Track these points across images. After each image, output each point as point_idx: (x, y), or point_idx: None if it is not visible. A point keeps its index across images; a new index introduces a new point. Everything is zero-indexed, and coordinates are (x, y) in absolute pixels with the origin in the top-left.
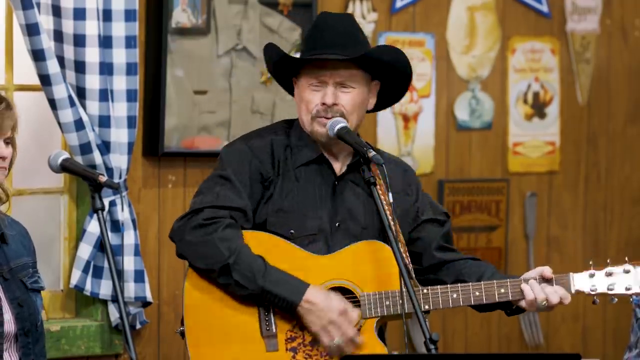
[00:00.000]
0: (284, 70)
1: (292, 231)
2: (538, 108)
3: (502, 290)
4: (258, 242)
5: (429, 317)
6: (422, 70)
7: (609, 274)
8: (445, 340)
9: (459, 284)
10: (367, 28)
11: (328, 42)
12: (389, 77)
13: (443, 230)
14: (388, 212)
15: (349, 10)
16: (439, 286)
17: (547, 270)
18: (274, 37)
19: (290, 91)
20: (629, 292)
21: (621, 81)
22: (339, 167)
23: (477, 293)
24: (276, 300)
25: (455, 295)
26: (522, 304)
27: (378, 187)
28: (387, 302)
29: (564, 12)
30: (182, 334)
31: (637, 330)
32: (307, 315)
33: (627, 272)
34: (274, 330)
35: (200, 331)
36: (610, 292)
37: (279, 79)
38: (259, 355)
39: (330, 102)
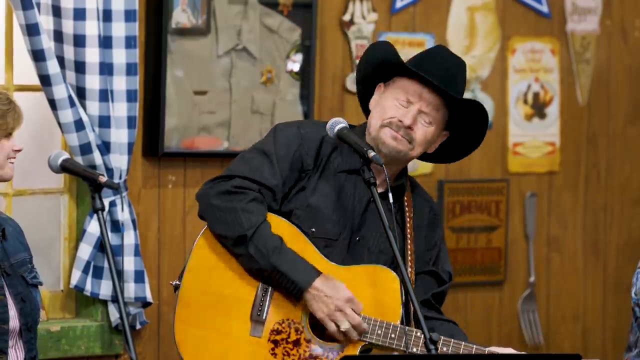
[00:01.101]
0: (378, 72)
1: (313, 229)
2: (538, 108)
3: (466, 352)
4: (280, 228)
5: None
6: None
7: None
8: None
9: (451, 339)
10: (367, 28)
11: (440, 71)
12: (460, 132)
13: (440, 289)
14: (408, 244)
15: (349, 11)
16: (417, 331)
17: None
18: (274, 37)
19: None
20: None
21: (621, 81)
22: (381, 184)
23: (445, 349)
24: (284, 282)
25: (445, 349)
26: None
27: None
28: (379, 331)
29: (564, 12)
30: (177, 287)
31: (636, 330)
32: (314, 302)
33: None
34: (264, 317)
35: (193, 292)
36: None
37: (365, 79)
38: (241, 335)
39: (408, 124)
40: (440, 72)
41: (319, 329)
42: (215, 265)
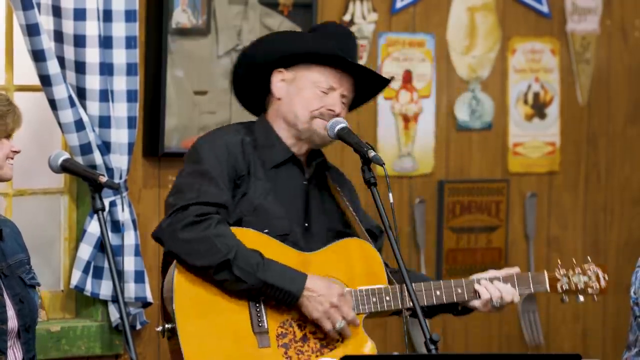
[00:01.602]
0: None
1: (266, 230)
2: (538, 108)
3: (459, 291)
4: (246, 238)
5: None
6: (422, 70)
7: (577, 273)
8: (445, 340)
9: (422, 284)
10: (367, 28)
11: (351, 53)
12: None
13: (377, 246)
14: (352, 214)
15: (349, 11)
16: (414, 284)
17: (513, 269)
18: None
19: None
20: (594, 292)
21: (621, 82)
22: (308, 169)
23: (438, 293)
24: (277, 293)
25: (423, 293)
26: (476, 303)
27: (340, 190)
28: (374, 299)
29: (564, 12)
30: (165, 331)
31: (635, 329)
32: (308, 304)
33: (593, 271)
34: (266, 326)
35: (192, 329)
36: (579, 290)
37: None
38: (252, 352)
39: (339, 112)
40: (353, 52)
41: None
42: (201, 296)
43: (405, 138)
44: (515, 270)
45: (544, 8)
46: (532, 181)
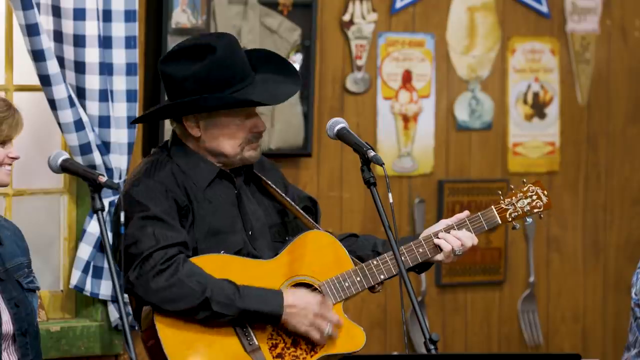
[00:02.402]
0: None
1: (222, 251)
2: (538, 108)
3: (421, 250)
4: (210, 265)
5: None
6: (422, 70)
7: (520, 198)
8: (445, 340)
9: (385, 254)
10: (367, 28)
11: (246, 71)
12: None
13: (317, 216)
14: (287, 201)
15: (349, 11)
16: (378, 257)
17: (463, 214)
18: (274, 37)
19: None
20: (540, 210)
21: (621, 81)
22: (238, 177)
23: (403, 258)
24: (258, 318)
25: (389, 263)
26: (438, 257)
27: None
28: (347, 284)
29: (563, 12)
30: None
31: (635, 330)
32: (292, 319)
33: (532, 191)
34: (256, 343)
35: None
36: (526, 213)
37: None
38: None
39: (264, 129)
40: (243, 71)
41: None
42: (188, 336)
43: (405, 138)
44: (464, 214)
45: (544, 8)
46: (532, 181)
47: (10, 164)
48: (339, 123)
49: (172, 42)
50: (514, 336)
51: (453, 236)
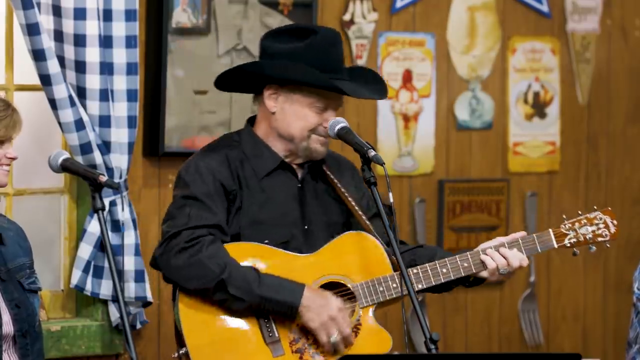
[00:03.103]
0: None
1: (266, 241)
2: (538, 108)
3: (466, 264)
4: (242, 252)
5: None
6: (422, 70)
7: (584, 225)
8: (445, 340)
9: (428, 264)
10: (367, 28)
11: (340, 66)
12: None
13: (392, 225)
14: (352, 204)
15: (349, 10)
16: (419, 266)
17: (518, 234)
18: None
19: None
20: (605, 239)
21: (621, 81)
22: (300, 171)
23: (445, 270)
24: (276, 307)
25: (429, 273)
26: (484, 274)
27: (338, 183)
28: (381, 288)
29: (564, 12)
30: (181, 356)
31: (636, 326)
32: (307, 314)
33: (599, 219)
34: (277, 335)
35: (205, 350)
36: (588, 241)
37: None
38: None
39: None
40: (340, 63)
41: None
42: (208, 318)
43: (406, 137)
44: (520, 234)
45: (544, 7)
46: (532, 181)
47: (8, 165)
48: (339, 123)
49: (172, 42)
50: (515, 336)
51: (500, 254)
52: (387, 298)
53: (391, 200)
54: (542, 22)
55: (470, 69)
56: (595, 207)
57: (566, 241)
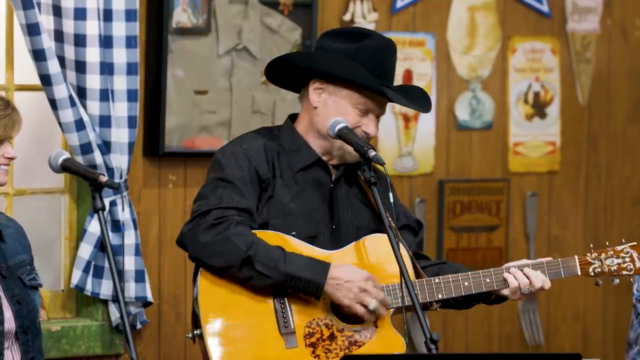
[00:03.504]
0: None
1: (294, 233)
2: (538, 108)
3: (488, 280)
4: (268, 239)
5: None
6: (423, 70)
7: (610, 256)
8: (445, 340)
9: (450, 276)
10: (368, 28)
11: (390, 75)
12: None
13: (417, 240)
14: (387, 213)
15: (350, 10)
16: (442, 276)
17: (543, 259)
18: (275, 37)
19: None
20: (629, 273)
21: (622, 81)
22: (335, 171)
23: (467, 283)
24: (301, 285)
25: (451, 284)
26: (505, 292)
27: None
28: (401, 294)
29: (564, 12)
30: (195, 337)
31: (636, 327)
32: (336, 292)
33: (626, 253)
34: (292, 326)
35: (219, 333)
36: (612, 273)
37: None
38: (280, 352)
39: (374, 135)
40: (392, 73)
41: (344, 315)
42: (227, 300)
43: (406, 137)
44: (546, 259)
45: (545, 7)
46: (532, 181)
47: (7, 164)
48: (340, 123)
49: (172, 42)
50: (515, 336)
51: (523, 274)
52: (406, 304)
53: (391, 200)
54: (542, 22)
55: (470, 69)
56: (623, 240)
57: (590, 270)
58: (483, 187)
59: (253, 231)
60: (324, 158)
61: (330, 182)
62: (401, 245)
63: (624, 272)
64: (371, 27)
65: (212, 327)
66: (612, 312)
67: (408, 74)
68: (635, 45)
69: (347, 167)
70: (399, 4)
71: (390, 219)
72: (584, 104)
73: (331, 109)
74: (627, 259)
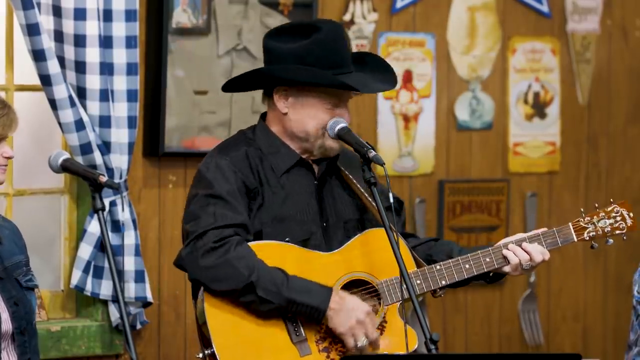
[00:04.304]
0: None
1: (287, 239)
2: (538, 108)
3: (488, 260)
4: (267, 252)
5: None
6: (423, 70)
7: (602, 218)
8: (445, 340)
9: (450, 260)
10: (368, 28)
11: (346, 60)
12: None
13: (402, 220)
14: (367, 198)
15: (349, 10)
16: (442, 262)
17: (539, 230)
18: None
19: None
20: (622, 231)
21: (622, 81)
22: (317, 167)
23: (467, 266)
24: (303, 310)
25: (452, 269)
26: (506, 269)
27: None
28: (404, 285)
29: (564, 12)
30: (206, 357)
31: (637, 328)
32: (335, 318)
33: (617, 212)
34: (304, 335)
35: (232, 350)
36: (606, 234)
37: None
38: None
39: (349, 123)
40: (347, 56)
41: None
42: (235, 318)
43: (406, 138)
44: (541, 230)
45: (544, 8)
46: (532, 181)
47: (5, 165)
48: (339, 123)
49: (172, 42)
50: (515, 336)
51: (522, 249)
52: (409, 297)
53: (391, 200)
54: (542, 22)
55: (470, 69)
56: (611, 200)
57: (585, 234)
58: (483, 187)
59: (252, 244)
60: (304, 156)
61: (314, 179)
62: (400, 237)
63: (617, 232)
64: (371, 27)
65: (224, 346)
66: (612, 312)
67: (408, 75)
68: (635, 45)
69: (328, 163)
70: (399, 4)
71: (391, 225)
72: (584, 104)
73: (302, 114)
74: (619, 218)
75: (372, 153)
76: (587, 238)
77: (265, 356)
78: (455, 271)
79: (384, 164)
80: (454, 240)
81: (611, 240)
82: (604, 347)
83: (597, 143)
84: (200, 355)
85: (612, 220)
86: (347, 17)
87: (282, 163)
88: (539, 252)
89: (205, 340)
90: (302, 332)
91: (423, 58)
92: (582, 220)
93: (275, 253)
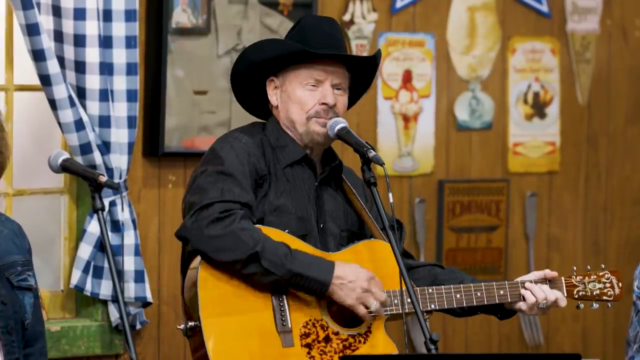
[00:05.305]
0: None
1: (287, 231)
2: (538, 108)
3: (502, 292)
4: (272, 236)
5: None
6: (422, 70)
7: (593, 280)
8: (445, 340)
9: (461, 285)
10: (367, 28)
11: (325, 43)
12: (356, 83)
13: (402, 239)
14: (368, 215)
15: (349, 10)
16: (443, 286)
17: (548, 271)
18: (275, 37)
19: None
20: (609, 299)
21: (621, 81)
22: (319, 168)
23: (479, 294)
24: (306, 283)
25: (458, 296)
26: (521, 306)
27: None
28: (396, 301)
29: (564, 12)
30: (187, 329)
31: (636, 325)
32: (340, 291)
33: (607, 279)
34: (289, 325)
35: (217, 324)
36: (594, 297)
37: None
38: (275, 351)
39: (333, 103)
40: (327, 40)
41: (339, 318)
42: (226, 295)
43: (405, 138)
44: (535, 277)
45: (544, 8)
46: (532, 181)
47: None
48: (339, 123)
49: (172, 42)
50: (515, 336)
51: (540, 289)
52: (400, 312)
53: (391, 200)
54: (542, 22)
55: (470, 69)
56: (602, 266)
57: (575, 292)
58: (483, 187)
59: (256, 226)
60: (308, 152)
61: (315, 180)
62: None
63: (605, 298)
64: (371, 27)
65: (211, 321)
66: (612, 312)
67: (408, 74)
68: (635, 45)
69: (332, 168)
70: (399, 4)
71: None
72: (584, 104)
73: (286, 100)
74: (608, 285)
75: (371, 153)
76: (576, 296)
77: (249, 340)
78: (446, 298)
79: (384, 164)
80: (454, 240)
81: (596, 305)
82: (603, 347)
83: (597, 143)
84: (182, 326)
85: (601, 285)
86: (346, 17)
87: (287, 157)
88: (555, 294)
89: (189, 314)
90: (289, 322)
91: (423, 58)
92: (574, 278)
93: (278, 239)
